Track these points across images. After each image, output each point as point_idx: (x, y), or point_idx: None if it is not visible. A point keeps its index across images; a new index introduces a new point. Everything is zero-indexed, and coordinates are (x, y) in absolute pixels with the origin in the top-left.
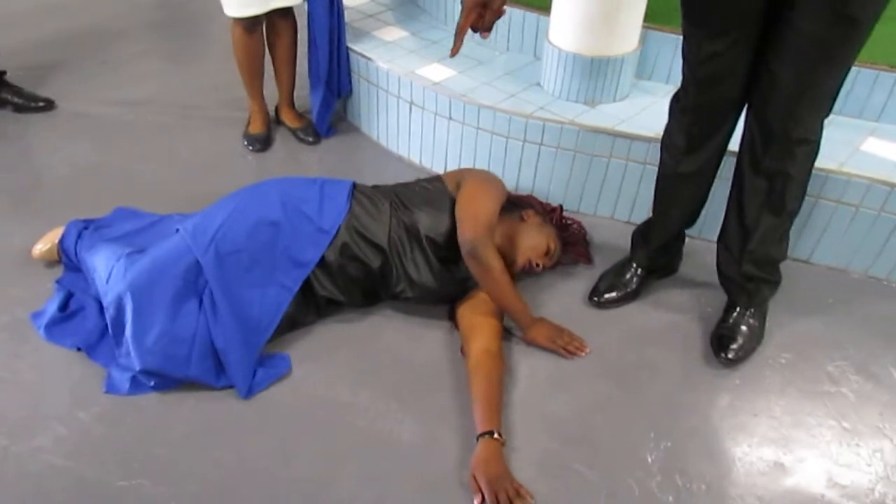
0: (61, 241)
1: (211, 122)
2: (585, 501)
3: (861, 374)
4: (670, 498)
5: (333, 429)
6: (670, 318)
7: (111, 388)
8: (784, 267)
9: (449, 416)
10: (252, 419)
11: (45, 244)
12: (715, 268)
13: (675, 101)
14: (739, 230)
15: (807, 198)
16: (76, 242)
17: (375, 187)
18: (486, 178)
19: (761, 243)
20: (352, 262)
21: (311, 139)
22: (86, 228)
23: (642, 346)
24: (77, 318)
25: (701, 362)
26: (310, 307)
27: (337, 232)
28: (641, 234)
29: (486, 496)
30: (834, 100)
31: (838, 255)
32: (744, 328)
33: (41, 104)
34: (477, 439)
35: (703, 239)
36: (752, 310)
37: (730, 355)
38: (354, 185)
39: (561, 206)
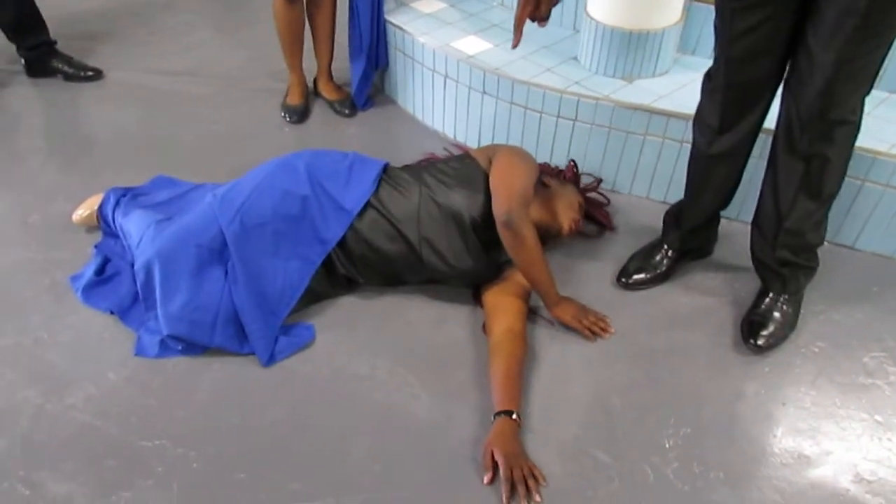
0: (100, 208)
1: (253, 93)
2: (599, 485)
3: None
4: (686, 486)
5: (350, 401)
6: (701, 302)
7: (140, 351)
8: (826, 252)
9: (466, 393)
10: (271, 387)
11: (84, 210)
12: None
13: (708, 79)
14: (774, 214)
15: (853, 181)
16: (114, 209)
17: (406, 168)
18: (518, 153)
19: (797, 228)
20: (370, 246)
21: (347, 111)
22: (124, 196)
23: (670, 331)
24: (112, 282)
25: (730, 348)
26: (332, 283)
27: (361, 213)
28: (673, 216)
29: (501, 472)
30: (875, 77)
31: (885, 242)
32: (776, 315)
33: (90, 73)
34: (494, 417)
35: (740, 221)
36: (787, 296)
37: (759, 342)
38: (386, 168)
39: (573, 161)
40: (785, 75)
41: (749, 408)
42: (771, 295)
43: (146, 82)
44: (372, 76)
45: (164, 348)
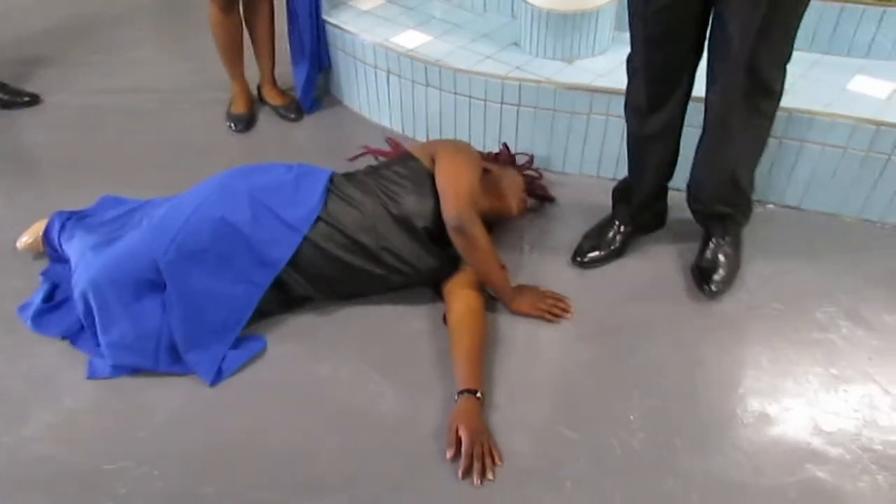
0: (46, 233)
1: (199, 105)
2: (567, 462)
3: (851, 320)
4: (652, 456)
5: (314, 404)
6: (656, 275)
7: (93, 373)
8: (774, 214)
9: (431, 386)
10: (233, 398)
11: (29, 237)
12: None
13: (629, 62)
14: (708, 175)
15: (792, 143)
16: (60, 233)
17: (352, 177)
18: (459, 148)
19: (731, 188)
20: (327, 260)
21: (293, 116)
22: (69, 219)
23: (628, 305)
24: (62, 308)
25: (688, 317)
26: (286, 303)
27: (311, 229)
28: (621, 192)
29: (463, 447)
30: (792, 44)
31: (828, 200)
32: (721, 258)
33: (27, 99)
34: (457, 396)
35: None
36: (728, 238)
37: (713, 287)
38: (332, 178)
39: (506, 144)
40: (706, 52)
41: (709, 373)
42: (714, 239)
43: (89, 102)
44: (316, 78)
45: (118, 368)
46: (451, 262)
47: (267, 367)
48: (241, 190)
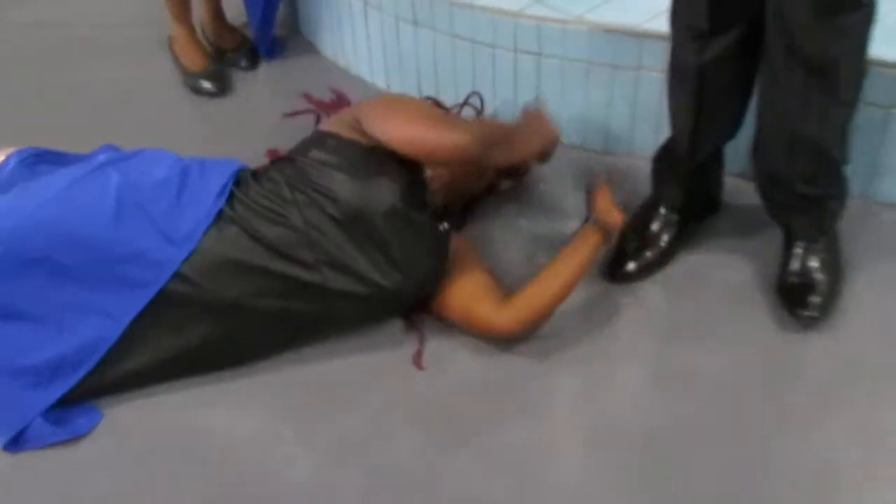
0: None
1: (134, 46)
2: None
3: None
4: None
5: (199, 466)
6: (723, 290)
7: None
8: None
9: (356, 449)
10: (88, 454)
11: None
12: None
13: None
14: (782, 140)
15: None
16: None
17: (257, 175)
18: (394, 97)
19: (814, 151)
20: (236, 281)
21: (244, 63)
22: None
23: (679, 341)
24: None
25: (766, 366)
26: (162, 353)
27: (200, 241)
28: (665, 159)
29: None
30: None
31: None
32: (813, 265)
33: None
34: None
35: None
36: (820, 239)
37: (813, 312)
38: (238, 174)
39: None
40: None
41: (771, 461)
42: (801, 243)
43: (5, 36)
44: (275, 14)
45: None
46: (440, 248)
47: (142, 412)
48: (109, 185)
